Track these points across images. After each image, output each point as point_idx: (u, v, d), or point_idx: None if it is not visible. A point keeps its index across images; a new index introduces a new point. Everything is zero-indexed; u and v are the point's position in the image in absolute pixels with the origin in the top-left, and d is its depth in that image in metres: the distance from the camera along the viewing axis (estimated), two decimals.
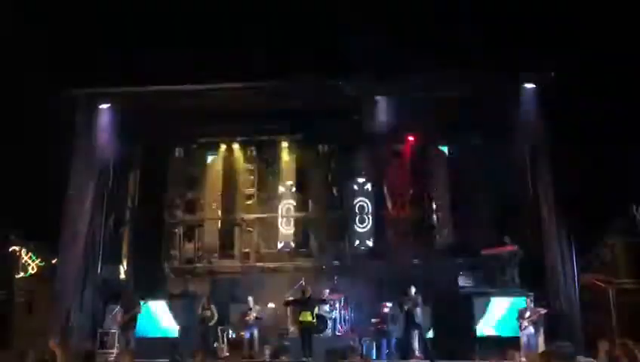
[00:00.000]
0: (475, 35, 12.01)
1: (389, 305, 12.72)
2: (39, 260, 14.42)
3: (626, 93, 11.58)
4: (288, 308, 13.30)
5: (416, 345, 12.11)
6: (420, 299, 12.28)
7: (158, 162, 15.66)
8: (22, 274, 14.40)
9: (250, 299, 13.17)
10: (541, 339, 11.73)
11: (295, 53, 12.63)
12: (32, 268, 14.49)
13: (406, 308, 12.16)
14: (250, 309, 12.98)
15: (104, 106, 13.97)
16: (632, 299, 11.05)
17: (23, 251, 14.47)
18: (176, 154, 16.10)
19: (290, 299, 12.79)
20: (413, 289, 12.34)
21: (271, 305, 13.85)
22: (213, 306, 12.93)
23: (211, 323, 12.79)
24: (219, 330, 13.02)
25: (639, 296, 11.03)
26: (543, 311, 11.81)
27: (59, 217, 13.28)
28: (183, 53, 12.89)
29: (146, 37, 12.98)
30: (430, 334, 12.72)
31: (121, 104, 14.10)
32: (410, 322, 12.15)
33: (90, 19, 13.01)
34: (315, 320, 12.30)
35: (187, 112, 14.42)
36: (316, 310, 12.52)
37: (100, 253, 13.86)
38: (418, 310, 12.19)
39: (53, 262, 13.88)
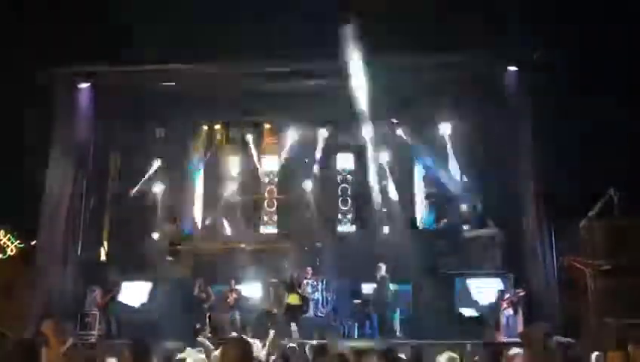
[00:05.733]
0: (461, 16, 11.96)
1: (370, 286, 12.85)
2: (18, 242, 14.22)
3: (611, 78, 11.66)
4: (271, 290, 13.35)
5: (397, 324, 12.28)
6: (388, 279, 12.44)
7: (138, 143, 15.49)
8: (0, 256, 14.20)
9: (232, 281, 13.18)
10: (520, 320, 11.91)
11: (282, 32, 12.46)
12: (11, 250, 14.30)
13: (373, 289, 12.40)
14: (233, 291, 13.00)
15: (84, 85, 13.76)
16: (609, 281, 11.20)
17: (1, 233, 14.25)
18: (157, 135, 15.95)
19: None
20: (383, 269, 12.48)
21: (253, 286, 13.87)
22: (209, 288, 12.93)
23: (206, 305, 12.79)
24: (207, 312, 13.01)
25: (616, 278, 11.18)
26: (522, 292, 11.98)
27: (38, 198, 13.10)
28: (165, 32, 12.67)
29: (126, 14, 12.73)
30: (412, 314, 12.86)
31: (102, 83, 13.91)
32: (384, 301, 12.34)
33: None
34: (301, 302, 12.38)
35: (168, 92, 14.26)
36: (301, 291, 12.61)
37: (80, 234, 13.72)
38: (386, 290, 12.35)
39: (33, 243, 13.72)
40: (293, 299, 12.28)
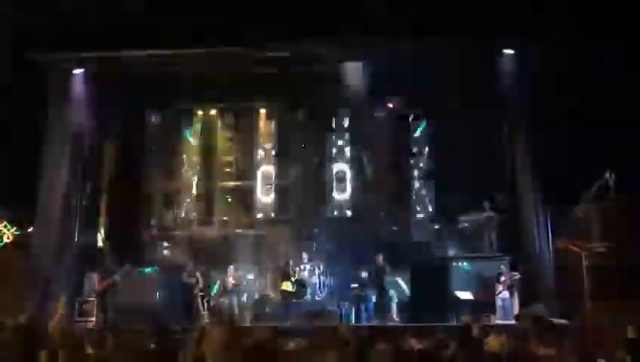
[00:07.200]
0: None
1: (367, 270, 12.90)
2: (14, 229, 14.18)
3: (604, 59, 11.64)
4: (268, 275, 13.41)
5: (393, 308, 12.37)
6: (386, 266, 12.52)
7: (134, 129, 15.44)
8: None
9: (230, 266, 13.21)
10: (516, 303, 11.99)
11: (273, 16, 12.39)
12: (7, 237, 14.27)
13: (369, 275, 12.45)
14: (230, 276, 13.03)
15: (78, 71, 13.68)
16: (604, 263, 11.27)
17: None
18: (153, 120, 15.88)
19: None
20: (380, 257, 12.56)
21: (250, 271, 13.91)
22: (198, 273, 12.96)
23: (196, 291, 12.82)
24: (199, 297, 13.06)
25: (611, 260, 11.26)
26: (517, 275, 12.05)
27: (34, 185, 13.07)
28: (159, 17, 12.58)
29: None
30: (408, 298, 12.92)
31: (96, 69, 13.83)
32: (381, 287, 12.42)
33: None
34: (294, 289, 12.43)
35: (164, 78, 14.17)
36: (295, 276, 12.66)
37: (77, 220, 13.71)
38: (383, 274, 12.42)
39: (29, 230, 13.69)
40: (286, 286, 12.35)
